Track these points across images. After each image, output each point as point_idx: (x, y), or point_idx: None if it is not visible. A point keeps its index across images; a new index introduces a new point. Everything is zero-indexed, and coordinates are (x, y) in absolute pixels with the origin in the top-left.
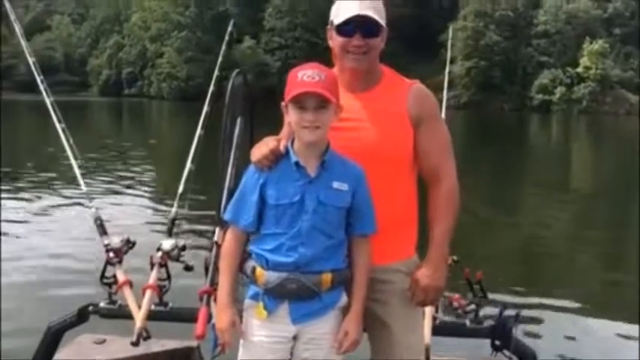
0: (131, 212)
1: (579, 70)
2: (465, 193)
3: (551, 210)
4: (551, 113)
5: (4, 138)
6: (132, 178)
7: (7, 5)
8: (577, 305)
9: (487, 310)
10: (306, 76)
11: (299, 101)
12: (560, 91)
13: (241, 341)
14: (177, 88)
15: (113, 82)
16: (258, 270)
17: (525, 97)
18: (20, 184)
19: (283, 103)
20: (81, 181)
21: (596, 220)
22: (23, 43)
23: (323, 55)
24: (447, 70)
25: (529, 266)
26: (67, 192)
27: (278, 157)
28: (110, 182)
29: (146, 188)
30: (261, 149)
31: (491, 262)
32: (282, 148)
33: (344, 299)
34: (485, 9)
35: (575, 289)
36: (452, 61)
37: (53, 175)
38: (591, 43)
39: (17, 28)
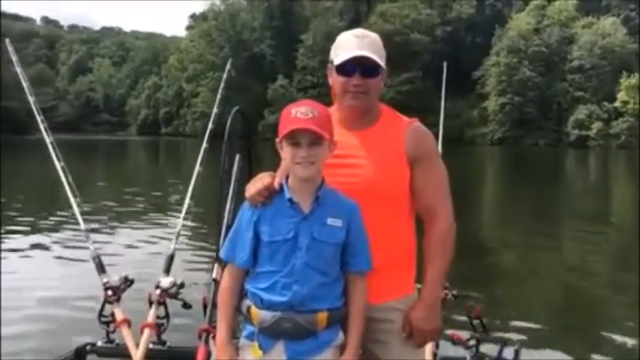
0: (132, 248)
1: (617, 104)
2: (502, 228)
3: (590, 245)
4: (588, 149)
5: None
6: (136, 215)
7: (10, 48)
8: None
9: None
10: (299, 112)
11: (293, 137)
12: (597, 126)
13: None
14: (206, 125)
15: (151, 121)
16: (253, 309)
17: (561, 132)
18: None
19: (277, 140)
20: (80, 220)
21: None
22: (25, 85)
23: None
24: (442, 105)
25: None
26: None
27: (272, 194)
28: (111, 219)
29: (147, 225)
30: (255, 185)
31: (526, 302)
32: (276, 184)
33: (340, 337)
34: (518, 45)
35: (608, 339)
36: (486, 97)
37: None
38: (628, 77)
39: (19, 71)
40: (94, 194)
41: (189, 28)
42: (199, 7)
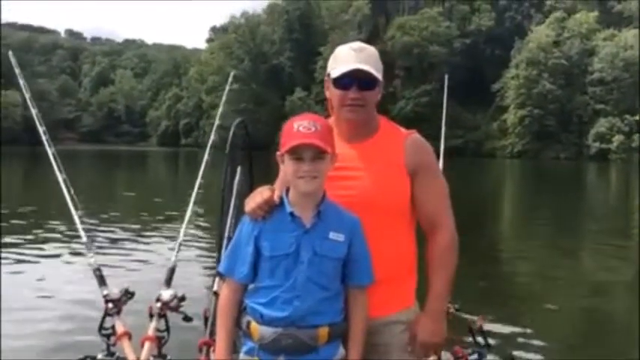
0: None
1: (638, 117)
2: (521, 242)
3: (610, 259)
4: (609, 162)
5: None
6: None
7: (13, 60)
8: None
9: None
10: (302, 127)
11: (295, 152)
12: (618, 139)
13: None
14: (225, 137)
15: (171, 132)
16: (253, 325)
17: (581, 145)
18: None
19: (278, 154)
20: (81, 232)
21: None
22: (27, 95)
23: None
24: (443, 117)
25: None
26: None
27: (272, 208)
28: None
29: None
30: (255, 199)
31: (541, 317)
32: (276, 198)
33: (341, 352)
34: (538, 57)
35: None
36: (505, 110)
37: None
38: None
39: (22, 83)
40: (115, 204)
41: (209, 40)
42: (220, 20)
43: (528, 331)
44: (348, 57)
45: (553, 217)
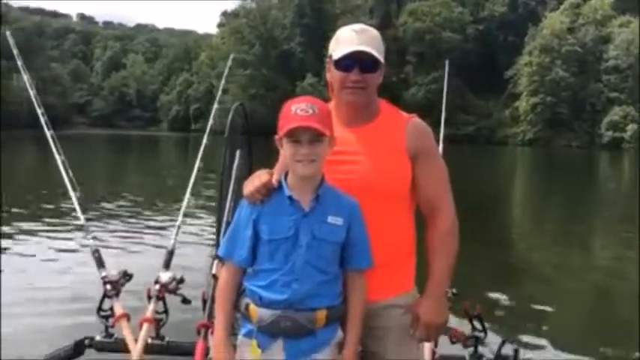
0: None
1: None
2: (532, 230)
3: (622, 248)
4: (622, 151)
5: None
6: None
7: (11, 41)
8: None
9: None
10: (299, 109)
11: (293, 135)
12: (631, 128)
13: None
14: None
15: (182, 117)
16: (252, 307)
17: (594, 134)
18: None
19: (277, 137)
20: (80, 213)
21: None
22: (25, 77)
23: (385, 92)
24: (444, 103)
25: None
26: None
27: (271, 191)
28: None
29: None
30: (253, 183)
31: (550, 304)
32: (274, 181)
33: (339, 335)
34: (552, 44)
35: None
36: (517, 97)
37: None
38: None
39: (20, 64)
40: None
41: (220, 25)
42: (231, 5)
43: (538, 315)
44: (350, 39)
45: (565, 205)
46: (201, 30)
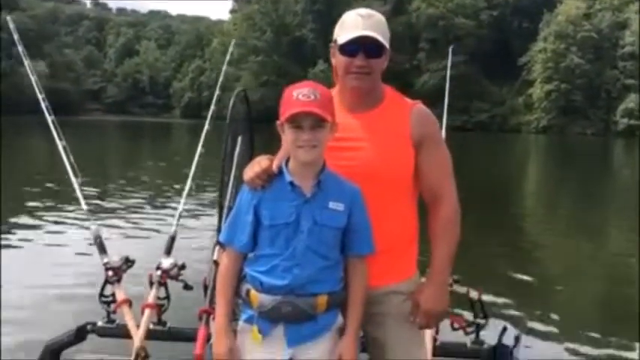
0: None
1: None
2: (545, 218)
3: (637, 237)
4: (637, 138)
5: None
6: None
7: (11, 25)
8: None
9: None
10: (301, 94)
11: (295, 121)
12: None
13: None
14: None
15: (194, 104)
16: (253, 293)
17: (609, 121)
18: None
19: (278, 122)
20: (82, 200)
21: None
22: (26, 62)
23: (397, 79)
24: (446, 91)
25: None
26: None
27: (271, 177)
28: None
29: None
30: (253, 169)
31: (561, 292)
32: (274, 167)
33: (340, 321)
34: (567, 30)
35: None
36: (531, 84)
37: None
38: None
39: (21, 50)
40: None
41: (232, 11)
42: None
43: (547, 303)
44: (355, 23)
45: (578, 193)
46: (213, 16)
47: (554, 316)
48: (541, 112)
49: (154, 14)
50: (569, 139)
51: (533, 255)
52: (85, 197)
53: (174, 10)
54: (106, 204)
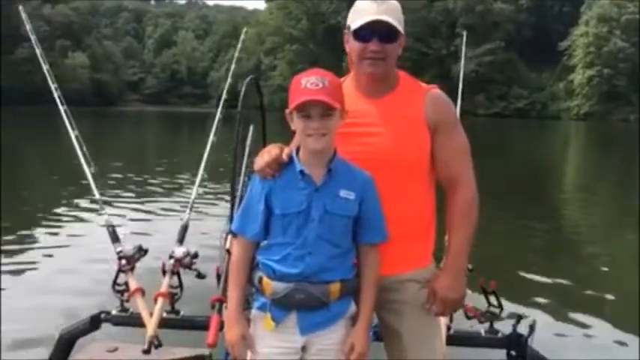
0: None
1: None
2: (585, 209)
3: None
4: None
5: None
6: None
7: (23, 15)
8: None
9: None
10: (309, 83)
11: (303, 109)
12: None
13: (249, 353)
14: (284, 99)
15: (231, 94)
16: (265, 280)
17: None
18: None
19: (287, 111)
20: (94, 189)
21: None
22: (38, 51)
23: (433, 65)
24: (461, 75)
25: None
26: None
27: (281, 166)
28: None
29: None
30: (263, 158)
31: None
32: (284, 156)
33: (352, 308)
34: (610, 13)
35: None
36: (572, 69)
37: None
38: None
39: (33, 39)
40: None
41: (268, 0)
42: None
43: (578, 294)
44: (369, 8)
45: (620, 181)
46: (250, 6)
47: (584, 308)
48: (582, 99)
49: (191, 5)
50: (611, 126)
51: (568, 244)
52: (119, 185)
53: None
54: (130, 193)
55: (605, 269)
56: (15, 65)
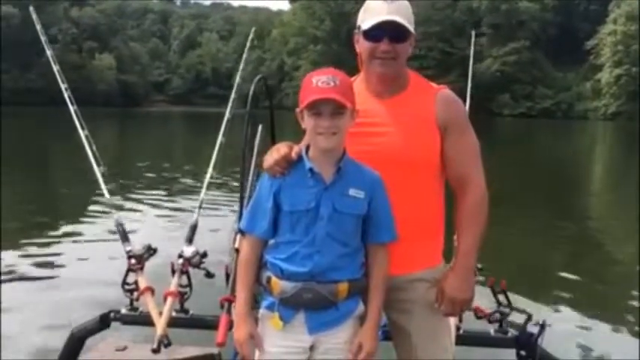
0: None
1: None
2: (612, 212)
3: None
4: None
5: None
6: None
7: (34, 16)
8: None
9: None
10: (320, 81)
11: (314, 108)
12: None
13: (257, 352)
14: None
15: (255, 94)
16: (274, 280)
17: None
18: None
19: (298, 110)
20: (104, 189)
21: None
22: (49, 53)
23: (457, 64)
24: (469, 75)
25: None
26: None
27: (291, 164)
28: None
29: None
30: (272, 156)
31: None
32: (294, 154)
33: (361, 308)
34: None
35: None
36: (599, 68)
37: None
38: None
39: (43, 40)
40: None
41: (292, 1)
42: None
43: (599, 296)
44: (379, 8)
45: None
46: (274, 7)
47: (601, 311)
48: (610, 98)
49: (216, 6)
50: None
51: (592, 245)
52: (145, 184)
53: (235, 1)
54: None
55: (628, 269)
56: (44, 67)
